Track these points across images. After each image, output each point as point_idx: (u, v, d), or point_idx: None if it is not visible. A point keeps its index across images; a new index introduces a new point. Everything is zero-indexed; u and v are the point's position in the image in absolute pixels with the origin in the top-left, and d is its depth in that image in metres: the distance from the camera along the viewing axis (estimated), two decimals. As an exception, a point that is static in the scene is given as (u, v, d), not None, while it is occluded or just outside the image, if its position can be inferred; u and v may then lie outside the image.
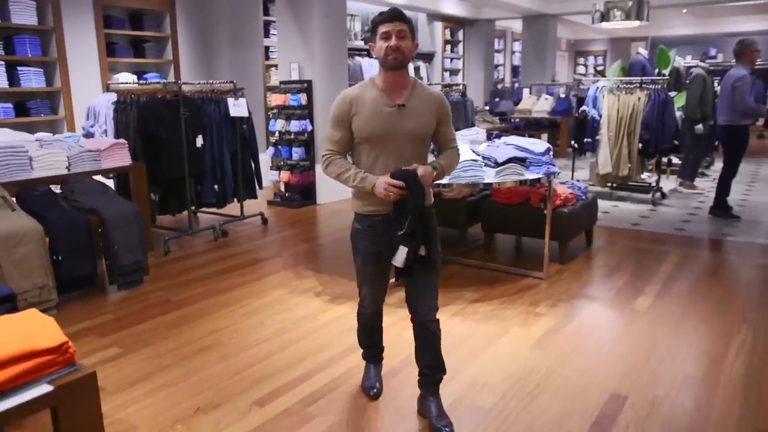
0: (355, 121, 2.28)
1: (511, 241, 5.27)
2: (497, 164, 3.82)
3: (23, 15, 5.99)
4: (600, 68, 19.57)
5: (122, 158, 4.67)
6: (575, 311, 3.70)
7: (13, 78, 6.02)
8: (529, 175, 3.93)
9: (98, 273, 4.05)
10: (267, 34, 8.50)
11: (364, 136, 2.27)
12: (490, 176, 3.80)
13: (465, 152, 3.86)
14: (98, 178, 4.65)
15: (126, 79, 6.86)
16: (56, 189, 4.38)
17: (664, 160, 7.57)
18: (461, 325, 3.50)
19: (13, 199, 3.87)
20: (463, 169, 3.67)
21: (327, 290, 4.10)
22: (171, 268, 4.64)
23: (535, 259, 4.64)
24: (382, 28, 2.21)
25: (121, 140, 4.73)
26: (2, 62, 5.89)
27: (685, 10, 15.63)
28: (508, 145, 4.11)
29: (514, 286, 4.14)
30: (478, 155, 3.95)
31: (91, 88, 6.49)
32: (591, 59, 20.25)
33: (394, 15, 2.21)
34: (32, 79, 6.14)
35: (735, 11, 15.38)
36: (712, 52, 17.41)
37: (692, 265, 4.60)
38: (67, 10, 6.30)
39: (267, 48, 8.55)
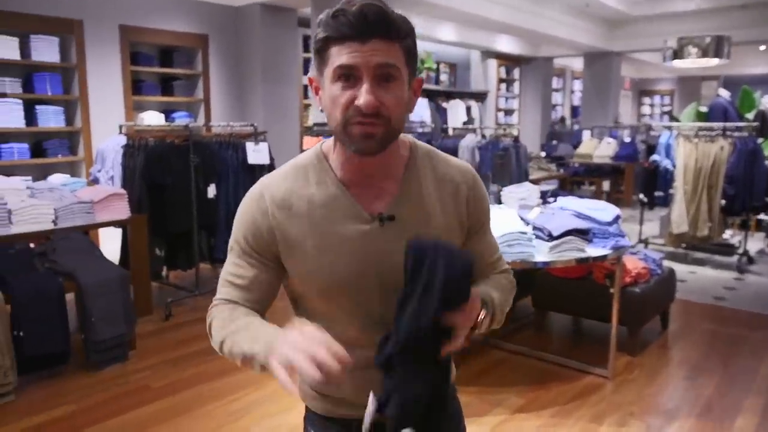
0: (287, 256, 1.08)
1: (567, 320, 4.40)
2: (552, 237, 3.03)
3: (45, 52, 5.66)
4: (666, 108, 18.39)
5: (119, 210, 4.13)
6: (653, 434, 2.83)
7: (31, 117, 5.67)
8: (593, 252, 3.12)
9: (76, 346, 3.48)
10: (307, 71, 8.02)
11: (314, 291, 1.09)
12: (542, 253, 3.01)
13: (512, 220, 3.10)
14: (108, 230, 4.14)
15: (152, 118, 6.49)
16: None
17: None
18: (500, 448, 2.69)
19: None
20: (507, 244, 2.90)
21: (337, 382, 3.36)
22: (166, 339, 4.02)
23: (598, 346, 3.77)
24: (339, 55, 0.96)
25: (120, 190, 4.20)
26: (20, 101, 5.55)
27: (763, 47, 14.44)
28: (565, 211, 3.32)
29: (572, 387, 3.29)
30: (528, 223, 3.18)
31: (114, 128, 6.07)
32: (657, 99, 19.07)
33: (371, 20, 0.94)
34: (51, 118, 5.78)
35: (820, 48, 14.07)
36: (794, 92, 16.02)
37: (802, 364, 3.63)
38: (92, 46, 5.95)
39: (306, 86, 8.05)
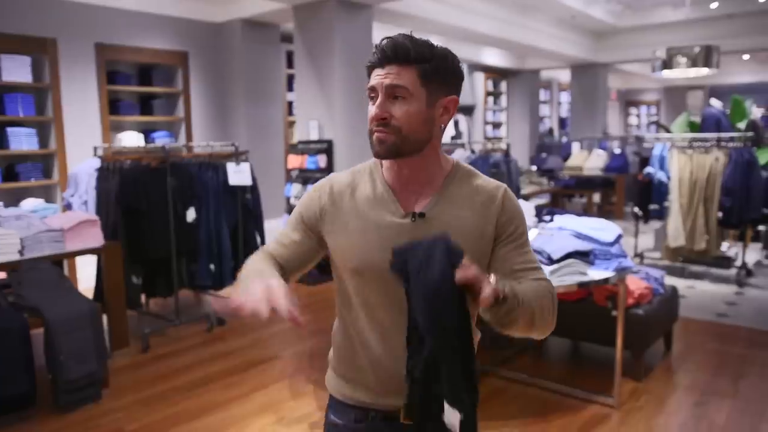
0: (330, 235, 1.29)
1: (566, 344, 4.20)
2: (551, 260, 2.84)
3: (17, 72, 5.44)
4: (653, 118, 18.41)
5: (92, 238, 3.89)
6: (666, 471, 2.63)
7: (1, 139, 5.42)
8: (595, 274, 2.93)
9: (45, 386, 3.23)
10: (291, 88, 7.84)
11: (349, 266, 1.27)
12: (541, 277, 2.83)
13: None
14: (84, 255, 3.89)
15: (131, 138, 6.28)
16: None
17: (747, 228, 6.40)
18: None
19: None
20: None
21: (325, 420, 3.14)
22: (143, 374, 3.77)
23: (600, 371, 3.58)
24: (371, 80, 1.21)
25: (93, 216, 3.97)
26: (-11, 123, 5.32)
27: (747, 57, 14.51)
28: (563, 231, 3.14)
29: (576, 419, 3.09)
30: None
31: (90, 150, 5.85)
32: (643, 109, 19.11)
33: (388, 52, 1.18)
34: (23, 141, 5.52)
35: (804, 57, 14.15)
36: (778, 100, 16.06)
37: (815, 386, 3.45)
38: (66, 66, 5.73)
39: (290, 103, 7.87)
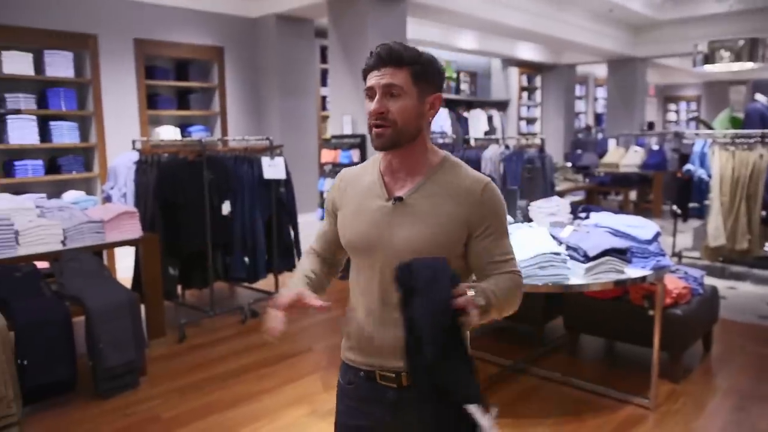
0: (339, 216, 1.53)
1: (600, 343, 4.13)
2: (588, 258, 2.79)
3: (59, 67, 5.59)
4: (693, 114, 17.93)
5: (131, 230, 3.98)
6: (704, 475, 2.57)
7: (45, 133, 5.58)
8: (632, 272, 2.87)
9: (85, 372, 3.32)
10: (325, 83, 7.88)
11: (344, 241, 1.50)
12: (577, 275, 2.78)
13: (544, 240, 2.87)
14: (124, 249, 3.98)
15: (168, 132, 6.39)
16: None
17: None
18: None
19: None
20: (539, 266, 2.67)
21: (357, 413, 3.15)
22: (179, 363, 3.84)
23: (636, 372, 3.51)
24: (367, 81, 1.39)
25: (132, 208, 4.06)
26: (34, 117, 5.47)
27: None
28: (599, 228, 3.08)
29: (611, 419, 3.04)
30: (561, 243, 2.95)
31: (128, 144, 5.98)
32: (683, 105, 18.62)
33: (383, 56, 1.35)
34: (65, 134, 5.68)
35: None
36: (827, 96, 15.47)
37: None
38: (106, 61, 5.86)
39: (324, 98, 7.91)
